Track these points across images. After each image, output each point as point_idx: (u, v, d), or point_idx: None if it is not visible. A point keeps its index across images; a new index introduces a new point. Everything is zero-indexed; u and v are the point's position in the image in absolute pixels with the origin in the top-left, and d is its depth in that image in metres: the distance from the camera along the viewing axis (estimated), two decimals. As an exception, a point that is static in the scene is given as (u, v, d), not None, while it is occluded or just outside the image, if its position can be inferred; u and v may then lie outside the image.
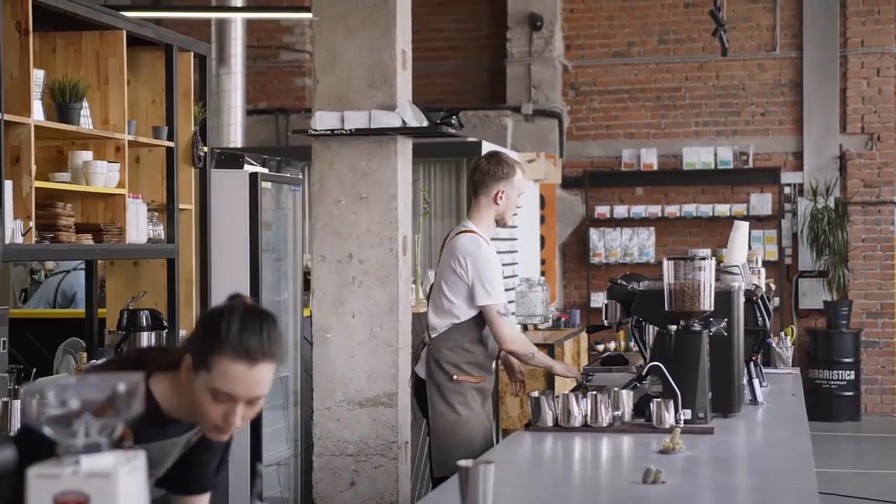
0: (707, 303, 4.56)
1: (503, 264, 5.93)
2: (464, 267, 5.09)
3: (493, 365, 5.35)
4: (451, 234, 5.32)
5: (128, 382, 1.86)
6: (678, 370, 4.46)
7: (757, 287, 5.72)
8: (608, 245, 13.17)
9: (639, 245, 13.06)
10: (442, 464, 5.10)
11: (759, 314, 5.27)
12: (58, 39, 5.29)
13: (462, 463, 2.85)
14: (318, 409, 5.74)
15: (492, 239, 5.32)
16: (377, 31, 5.68)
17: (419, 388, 5.30)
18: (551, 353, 9.21)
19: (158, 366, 2.77)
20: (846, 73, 12.84)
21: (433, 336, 5.19)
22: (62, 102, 4.92)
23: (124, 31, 5.29)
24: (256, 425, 6.35)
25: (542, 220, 12.55)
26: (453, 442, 5.13)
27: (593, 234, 13.18)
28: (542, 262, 12.48)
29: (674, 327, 4.56)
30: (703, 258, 4.63)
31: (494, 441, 5.38)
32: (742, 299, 4.92)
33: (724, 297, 4.75)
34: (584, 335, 11.01)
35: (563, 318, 10.84)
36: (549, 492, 3.58)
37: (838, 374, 12.41)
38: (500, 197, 5.21)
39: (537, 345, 9.02)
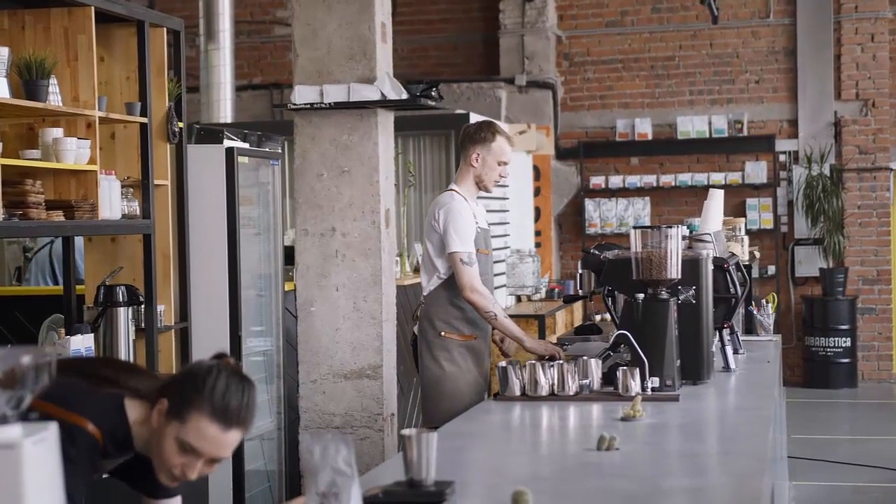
0: (674, 271, 4.57)
1: (493, 236, 5.98)
2: (437, 219, 5.22)
3: (489, 325, 5.38)
4: None
5: (35, 356, 1.87)
6: (646, 338, 4.47)
7: (732, 255, 5.72)
8: (604, 215, 13.15)
9: (634, 215, 13.05)
10: (428, 419, 5.21)
11: (730, 282, 5.27)
12: (26, 17, 5.28)
13: (405, 431, 2.88)
14: (304, 382, 5.77)
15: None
16: (356, 4, 5.67)
17: (416, 346, 5.39)
18: (542, 325, 9.22)
19: (135, 392, 2.79)
20: (840, 39, 12.77)
21: (424, 295, 5.32)
22: (29, 79, 4.92)
23: (92, 8, 5.27)
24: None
25: (538, 191, 12.54)
26: (438, 397, 5.22)
27: (589, 204, 13.17)
28: (538, 233, 12.48)
29: (641, 295, 4.58)
30: (671, 227, 4.63)
31: None
32: (710, 267, 4.91)
33: (692, 265, 4.76)
34: (578, 305, 11.00)
35: (556, 289, 10.84)
36: (502, 459, 3.61)
37: (835, 342, 12.41)
38: (477, 159, 5.32)
39: (528, 316, 9.12)
